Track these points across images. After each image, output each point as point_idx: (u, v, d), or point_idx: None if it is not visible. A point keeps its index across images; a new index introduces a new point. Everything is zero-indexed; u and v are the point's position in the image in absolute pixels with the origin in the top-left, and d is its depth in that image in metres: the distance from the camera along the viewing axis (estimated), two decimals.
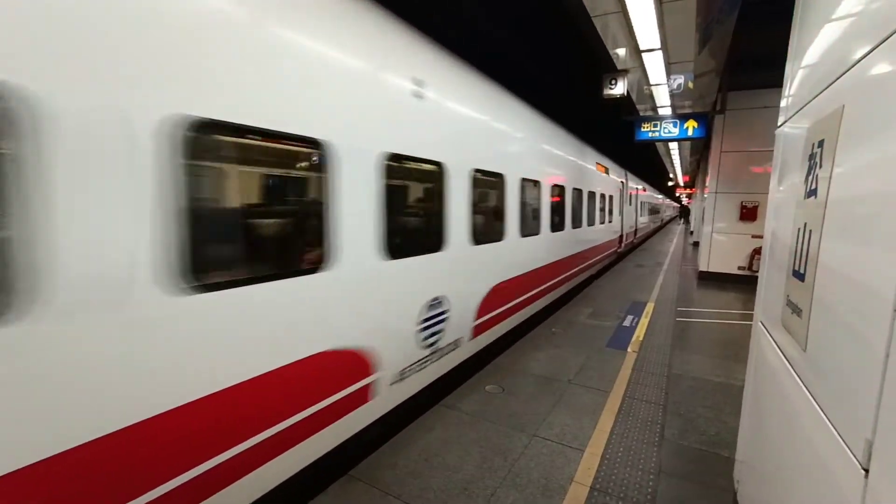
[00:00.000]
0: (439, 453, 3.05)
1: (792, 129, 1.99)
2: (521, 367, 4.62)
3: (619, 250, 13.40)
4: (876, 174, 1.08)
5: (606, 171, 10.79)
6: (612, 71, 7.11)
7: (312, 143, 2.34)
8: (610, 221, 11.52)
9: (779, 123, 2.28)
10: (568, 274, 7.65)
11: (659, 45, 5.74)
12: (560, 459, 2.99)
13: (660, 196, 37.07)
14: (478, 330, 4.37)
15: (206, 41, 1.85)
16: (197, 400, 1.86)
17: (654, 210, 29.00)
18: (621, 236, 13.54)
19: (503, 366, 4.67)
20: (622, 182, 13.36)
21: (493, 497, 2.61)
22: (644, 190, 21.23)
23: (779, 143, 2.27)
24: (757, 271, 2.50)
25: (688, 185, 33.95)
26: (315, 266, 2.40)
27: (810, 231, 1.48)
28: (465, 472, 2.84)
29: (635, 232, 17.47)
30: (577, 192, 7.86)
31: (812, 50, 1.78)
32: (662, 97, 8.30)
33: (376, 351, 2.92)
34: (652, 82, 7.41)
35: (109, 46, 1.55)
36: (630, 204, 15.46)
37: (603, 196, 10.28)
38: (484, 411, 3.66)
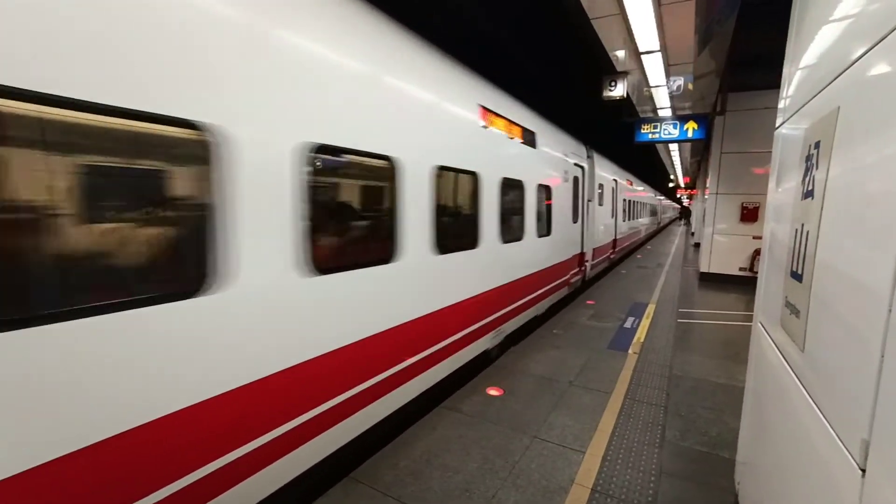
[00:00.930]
0: (440, 454, 3.05)
1: (789, 130, 2.00)
2: (521, 369, 4.63)
3: (577, 278, 8.27)
4: (870, 175, 1.09)
5: (529, 141, 5.49)
6: (611, 73, 7.13)
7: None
8: (547, 234, 6.29)
9: (777, 125, 2.29)
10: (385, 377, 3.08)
11: (658, 47, 5.75)
12: (561, 461, 2.99)
13: (654, 193, 28.33)
14: None
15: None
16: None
17: (646, 211, 21.99)
18: (581, 256, 8.44)
19: (504, 367, 4.67)
20: (579, 167, 7.96)
21: (493, 498, 2.61)
22: (630, 183, 15.26)
23: (777, 144, 2.28)
24: (757, 272, 2.51)
25: (688, 187, 33.93)
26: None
27: (807, 232, 1.49)
28: (466, 473, 2.85)
29: (614, 244, 12.06)
30: (437, 176, 3.53)
31: (808, 52, 1.79)
32: (662, 99, 8.32)
33: None
34: (652, 84, 7.42)
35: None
36: (601, 203, 9.91)
37: (517, 186, 5.16)
38: (485, 412, 3.66)
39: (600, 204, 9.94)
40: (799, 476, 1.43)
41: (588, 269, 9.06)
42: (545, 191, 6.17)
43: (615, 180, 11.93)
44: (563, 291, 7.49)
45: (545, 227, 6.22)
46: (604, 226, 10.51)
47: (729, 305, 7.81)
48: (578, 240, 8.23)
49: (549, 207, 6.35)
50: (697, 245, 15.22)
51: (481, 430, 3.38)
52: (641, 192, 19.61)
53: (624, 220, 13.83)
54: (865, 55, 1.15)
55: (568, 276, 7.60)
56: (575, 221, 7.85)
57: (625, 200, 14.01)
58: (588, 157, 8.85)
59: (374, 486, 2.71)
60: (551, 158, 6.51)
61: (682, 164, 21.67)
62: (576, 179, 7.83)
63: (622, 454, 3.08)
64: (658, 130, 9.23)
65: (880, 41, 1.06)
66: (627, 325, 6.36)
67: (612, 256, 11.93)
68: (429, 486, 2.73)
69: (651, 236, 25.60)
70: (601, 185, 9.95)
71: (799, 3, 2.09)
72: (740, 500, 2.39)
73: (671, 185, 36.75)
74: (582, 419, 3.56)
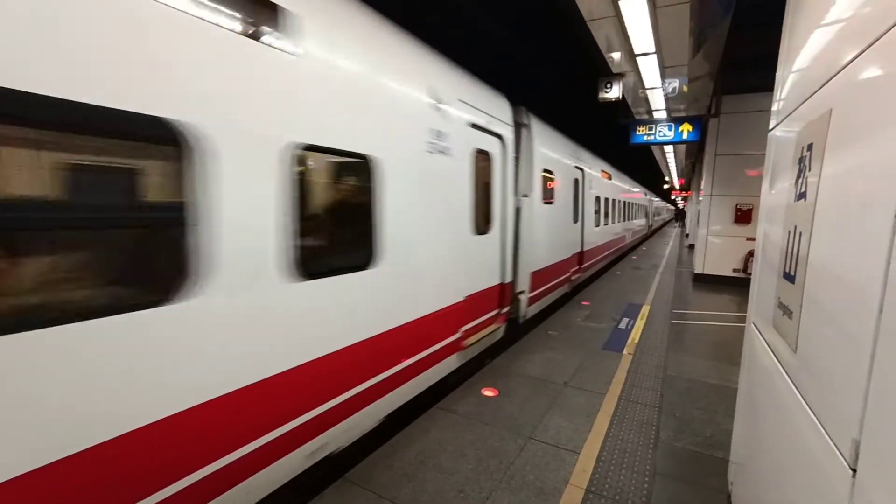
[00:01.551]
0: (435, 456, 3.05)
1: (782, 132, 2.01)
2: (516, 370, 4.63)
3: (488, 329, 4.78)
4: (862, 177, 1.09)
5: (263, 30, 2.15)
6: (607, 74, 7.16)
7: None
8: (362, 264, 2.85)
9: (770, 127, 2.31)
10: None
11: (653, 49, 5.78)
12: (555, 462, 3.00)
13: (643, 191, 23.96)
14: None
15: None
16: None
17: (632, 212, 18.14)
18: (504, 289, 5.16)
19: (499, 368, 4.67)
20: (493, 136, 4.75)
21: (488, 500, 2.61)
22: (607, 176, 11.83)
23: (770, 146, 2.29)
24: (751, 273, 2.52)
25: (683, 188, 34.13)
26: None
27: (800, 233, 1.50)
28: (461, 475, 2.84)
29: (580, 258, 8.84)
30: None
31: (801, 54, 1.80)
32: (657, 100, 8.36)
33: None
34: (647, 86, 7.46)
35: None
36: (550, 200, 6.72)
37: (167, 147, 1.81)
38: (480, 413, 3.65)
39: (547, 202, 6.56)
40: (791, 476, 1.44)
41: (524, 305, 5.74)
42: (349, 171, 2.91)
43: (580, 169, 8.55)
44: (449, 363, 3.95)
45: (358, 252, 2.87)
46: (558, 234, 7.21)
47: (723, 306, 7.86)
48: (494, 264, 4.88)
49: (366, 207, 2.90)
50: (692, 247, 15.30)
51: (476, 432, 3.37)
52: (625, 188, 15.68)
53: (597, 225, 10.52)
54: (857, 58, 1.16)
55: (457, 335, 4.03)
56: (484, 231, 4.57)
57: (598, 198, 10.54)
58: (521, 124, 5.62)
59: (369, 488, 2.70)
60: (373, 95, 2.94)
61: (676, 165, 21.80)
62: (483, 158, 4.51)
63: (616, 455, 3.09)
64: (653, 132, 9.29)
65: (871, 44, 1.07)
66: (622, 326, 6.38)
67: (574, 278, 8.48)
68: (423, 487, 2.72)
69: (640, 242, 22.19)
70: (550, 173, 6.60)
71: (792, 6, 2.10)
72: (733, 500, 2.40)
73: (666, 186, 36.94)
74: (576, 420, 3.57)
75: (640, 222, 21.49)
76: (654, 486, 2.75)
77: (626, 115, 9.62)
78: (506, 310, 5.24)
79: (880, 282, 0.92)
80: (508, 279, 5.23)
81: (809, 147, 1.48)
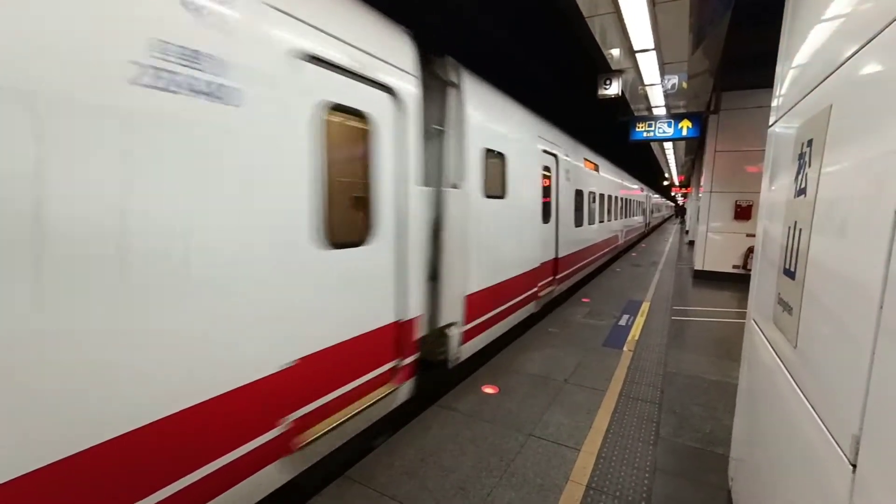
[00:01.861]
0: (435, 453, 3.05)
1: (782, 128, 2.01)
2: (516, 367, 4.63)
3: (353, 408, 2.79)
4: (862, 173, 1.09)
5: None
6: (606, 71, 7.15)
7: None
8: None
9: (770, 123, 2.30)
10: None
11: (653, 46, 5.77)
12: (556, 458, 3.00)
13: (640, 186, 21.93)
14: None
15: None
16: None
17: (629, 209, 16.71)
18: (398, 333, 3.14)
19: (499, 366, 4.67)
20: (386, 91, 2.91)
21: (489, 497, 2.62)
22: (593, 167, 9.99)
23: (770, 142, 2.29)
24: (751, 270, 2.53)
25: (683, 185, 34.12)
26: None
27: (800, 230, 1.50)
28: (462, 472, 2.85)
29: (554, 268, 7.12)
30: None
31: (801, 51, 1.80)
32: (657, 97, 8.35)
33: None
34: (646, 82, 7.45)
35: None
36: (500, 193, 4.93)
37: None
38: (480, 411, 3.66)
39: (494, 195, 4.78)
40: (791, 471, 1.44)
41: (455, 342, 4.06)
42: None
43: (551, 154, 6.71)
44: (263, 479, 2.21)
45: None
46: (515, 239, 5.46)
47: (723, 303, 7.86)
48: (382, 292, 3.06)
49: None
50: (692, 243, 15.28)
51: (476, 429, 3.38)
52: (617, 182, 13.65)
53: (579, 225, 8.57)
54: (857, 54, 1.16)
55: (278, 431, 2.23)
56: (355, 241, 2.78)
57: (581, 193, 8.67)
58: (447, 82, 3.95)
59: (370, 486, 2.71)
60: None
61: (676, 162, 21.78)
62: (350, 121, 2.77)
63: (617, 451, 3.09)
64: (653, 129, 9.28)
65: (871, 40, 1.07)
66: (622, 322, 6.39)
67: (544, 293, 6.60)
68: (424, 485, 2.73)
69: (638, 240, 20.49)
70: (497, 156, 4.87)
71: (791, 2, 2.10)
72: (733, 495, 2.40)
73: (666, 182, 36.91)
74: (577, 417, 3.57)
75: (636, 220, 19.27)
76: (654, 483, 2.76)
77: (625, 112, 9.61)
78: (411, 359, 3.35)
79: (881, 278, 0.92)
80: (417, 312, 3.36)
81: (809, 143, 1.48)
